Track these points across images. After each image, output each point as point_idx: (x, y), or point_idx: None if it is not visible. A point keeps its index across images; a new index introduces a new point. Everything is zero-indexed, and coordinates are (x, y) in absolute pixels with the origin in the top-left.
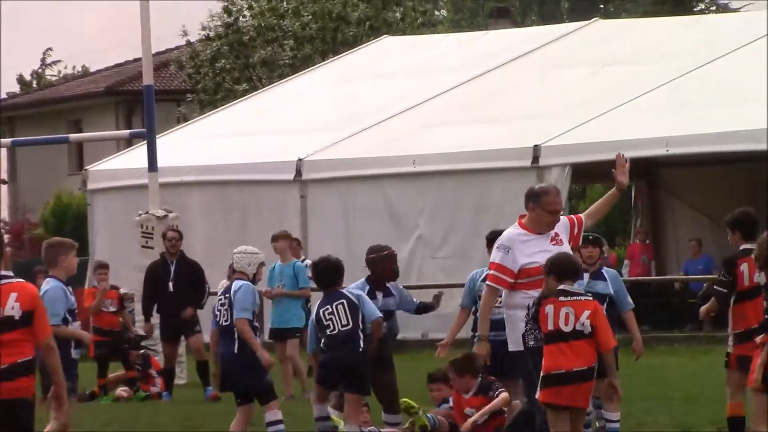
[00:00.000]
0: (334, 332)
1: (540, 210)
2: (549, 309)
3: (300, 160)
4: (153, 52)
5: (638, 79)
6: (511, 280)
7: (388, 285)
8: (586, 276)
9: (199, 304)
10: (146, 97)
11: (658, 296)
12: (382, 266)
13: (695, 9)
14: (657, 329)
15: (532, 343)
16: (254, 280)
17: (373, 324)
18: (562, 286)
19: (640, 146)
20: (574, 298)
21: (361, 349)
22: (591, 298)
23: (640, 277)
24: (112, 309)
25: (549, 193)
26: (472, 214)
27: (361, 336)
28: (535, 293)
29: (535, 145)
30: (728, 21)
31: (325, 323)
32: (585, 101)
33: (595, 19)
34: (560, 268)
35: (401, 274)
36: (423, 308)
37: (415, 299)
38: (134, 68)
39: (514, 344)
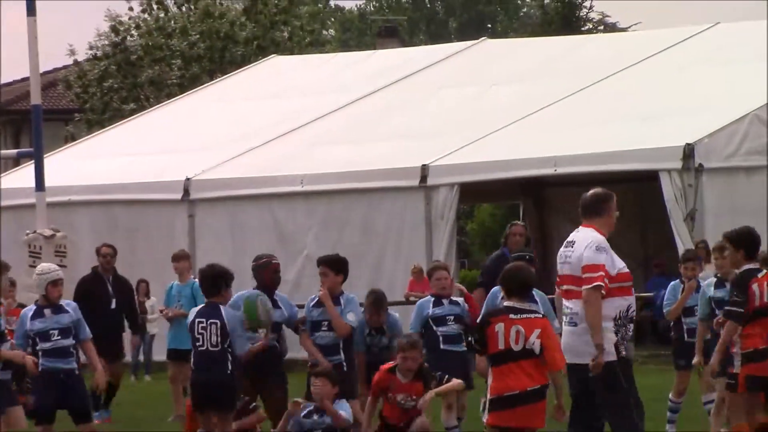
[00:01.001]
0: (203, 348)
1: (612, 213)
2: (499, 327)
3: (188, 179)
4: (41, 71)
5: (526, 99)
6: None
7: (276, 297)
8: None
9: (137, 324)
10: (34, 117)
11: None
12: (261, 275)
13: (583, 29)
14: None
15: (624, 353)
16: (49, 299)
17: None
18: (511, 303)
19: (528, 165)
20: (525, 315)
21: (229, 371)
22: (540, 316)
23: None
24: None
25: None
26: (360, 233)
27: (230, 358)
28: (625, 301)
29: (423, 165)
30: (616, 40)
31: (197, 336)
32: (473, 121)
33: (482, 38)
34: (511, 282)
35: (290, 293)
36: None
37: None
38: (21, 87)
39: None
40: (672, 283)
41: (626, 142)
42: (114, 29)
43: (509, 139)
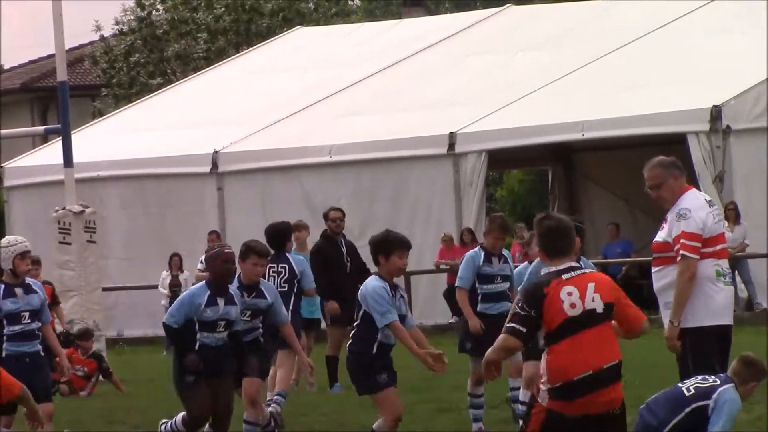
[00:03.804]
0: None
1: None
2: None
3: (216, 152)
4: (66, 47)
5: (552, 65)
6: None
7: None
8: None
9: None
10: (61, 94)
11: None
12: (211, 265)
13: None
14: None
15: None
16: (16, 273)
17: None
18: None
19: (555, 131)
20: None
21: None
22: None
23: None
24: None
25: None
26: (389, 202)
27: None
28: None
29: (451, 132)
30: (641, 5)
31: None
32: (500, 88)
33: (508, 5)
34: None
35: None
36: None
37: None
38: (48, 64)
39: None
40: None
41: (653, 105)
42: (140, 4)
43: (536, 106)
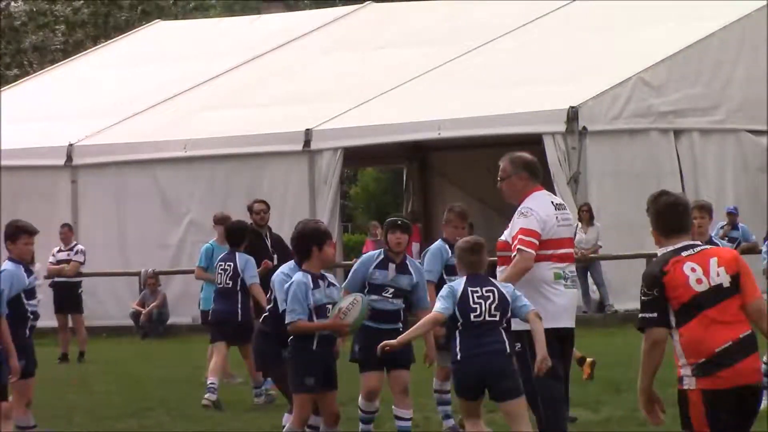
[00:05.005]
0: None
1: None
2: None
3: (71, 145)
4: None
5: (410, 63)
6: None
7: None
8: (393, 267)
9: None
10: None
11: None
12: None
13: None
14: None
15: None
16: None
17: None
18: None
19: (411, 130)
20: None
21: None
22: None
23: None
24: None
25: None
26: (244, 198)
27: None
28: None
29: (307, 129)
30: (500, 6)
31: None
32: (358, 85)
33: (367, 2)
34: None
35: (173, 258)
36: None
37: None
38: None
39: None
40: None
41: (510, 105)
42: None
43: (393, 104)
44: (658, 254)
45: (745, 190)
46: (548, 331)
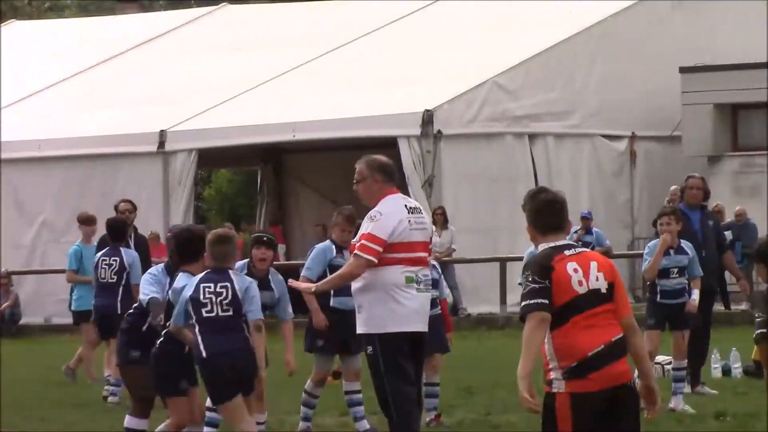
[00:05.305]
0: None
1: None
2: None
3: None
4: None
5: (266, 65)
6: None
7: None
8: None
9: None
10: None
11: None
12: None
13: None
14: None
15: None
16: None
17: None
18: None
19: (266, 132)
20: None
21: None
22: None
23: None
24: None
25: None
26: (97, 199)
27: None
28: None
29: (162, 131)
30: (358, 8)
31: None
32: (213, 87)
33: (223, 4)
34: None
35: (26, 258)
36: None
37: None
38: None
39: None
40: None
41: (365, 108)
42: None
43: (248, 105)
44: (538, 249)
45: (600, 195)
46: (399, 335)
